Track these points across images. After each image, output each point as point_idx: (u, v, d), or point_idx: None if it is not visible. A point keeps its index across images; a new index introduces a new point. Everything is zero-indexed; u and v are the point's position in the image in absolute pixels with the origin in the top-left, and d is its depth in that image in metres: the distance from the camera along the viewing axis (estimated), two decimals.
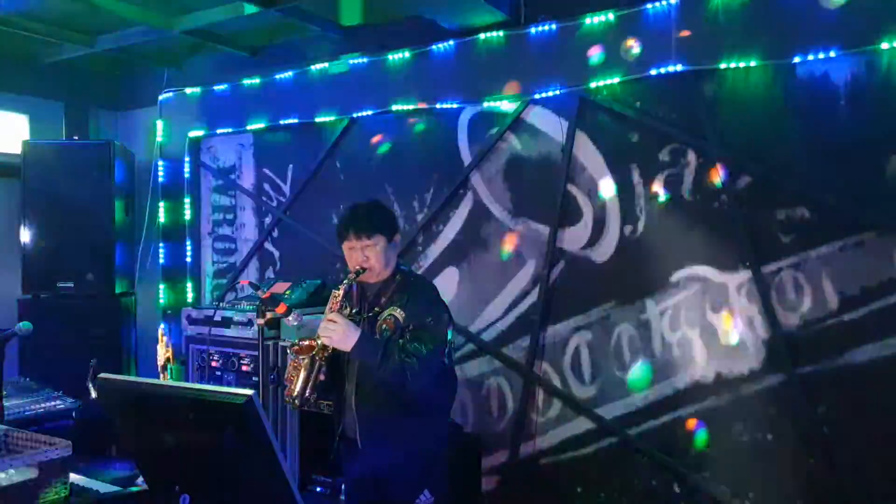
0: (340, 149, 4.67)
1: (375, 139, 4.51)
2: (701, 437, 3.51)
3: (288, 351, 2.60)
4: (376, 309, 2.62)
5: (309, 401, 2.55)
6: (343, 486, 3.24)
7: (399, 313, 2.55)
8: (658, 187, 3.63)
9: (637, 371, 3.68)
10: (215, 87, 5.15)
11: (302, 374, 2.51)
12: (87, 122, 5.17)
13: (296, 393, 2.51)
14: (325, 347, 2.50)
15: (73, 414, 3.21)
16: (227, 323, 4.25)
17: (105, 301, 5.02)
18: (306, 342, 2.53)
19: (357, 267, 2.59)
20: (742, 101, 3.42)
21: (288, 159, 4.92)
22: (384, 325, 2.57)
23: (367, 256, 2.59)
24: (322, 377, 2.55)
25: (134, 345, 5.40)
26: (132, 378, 1.89)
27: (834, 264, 3.22)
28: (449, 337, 2.64)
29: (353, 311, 2.69)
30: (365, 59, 4.46)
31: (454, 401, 2.85)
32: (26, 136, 5.24)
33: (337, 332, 2.45)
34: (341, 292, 2.58)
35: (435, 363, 2.52)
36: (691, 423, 3.53)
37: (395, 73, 4.35)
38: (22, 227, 4.96)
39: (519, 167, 4.03)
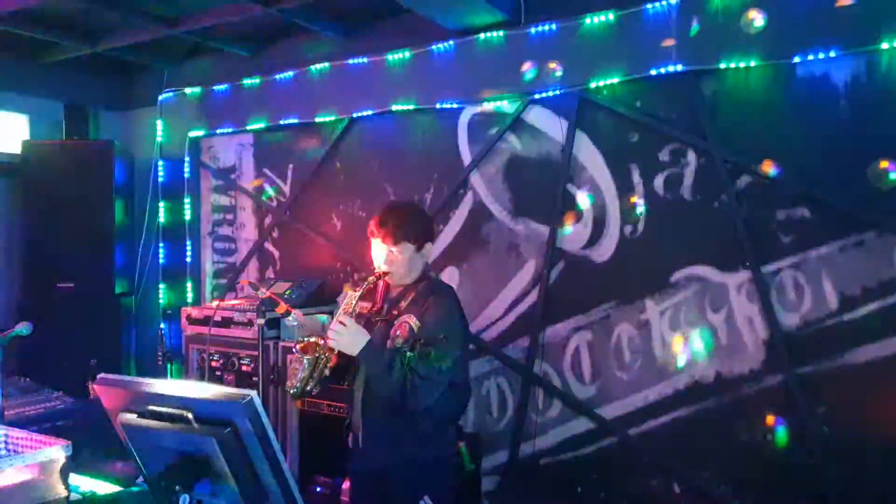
0: (340, 149, 4.67)
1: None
2: (701, 437, 3.51)
3: (294, 349, 2.58)
4: (394, 312, 2.58)
5: (310, 394, 2.55)
6: (348, 482, 3.24)
7: (414, 322, 2.49)
8: (658, 187, 3.63)
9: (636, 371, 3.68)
10: (215, 87, 5.15)
11: (303, 374, 2.51)
12: (87, 122, 5.15)
13: (297, 388, 2.51)
14: (331, 349, 2.49)
15: (74, 414, 3.21)
16: (227, 323, 4.25)
17: (105, 301, 5.02)
18: (313, 340, 2.53)
19: (379, 270, 2.57)
20: (742, 101, 3.42)
21: (288, 159, 4.92)
22: (398, 332, 2.52)
23: (390, 262, 2.56)
24: (327, 373, 2.53)
25: (134, 345, 5.41)
26: (132, 378, 1.88)
27: (834, 264, 3.22)
28: (461, 354, 2.57)
29: (374, 308, 2.67)
30: (365, 59, 4.46)
31: (463, 412, 2.79)
32: (26, 136, 5.24)
33: (344, 335, 2.43)
34: (359, 294, 2.54)
35: (439, 382, 2.44)
36: (691, 423, 3.53)
37: (395, 73, 4.35)
38: (22, 228, 4.95)
39: (519, 167, 4.03)
